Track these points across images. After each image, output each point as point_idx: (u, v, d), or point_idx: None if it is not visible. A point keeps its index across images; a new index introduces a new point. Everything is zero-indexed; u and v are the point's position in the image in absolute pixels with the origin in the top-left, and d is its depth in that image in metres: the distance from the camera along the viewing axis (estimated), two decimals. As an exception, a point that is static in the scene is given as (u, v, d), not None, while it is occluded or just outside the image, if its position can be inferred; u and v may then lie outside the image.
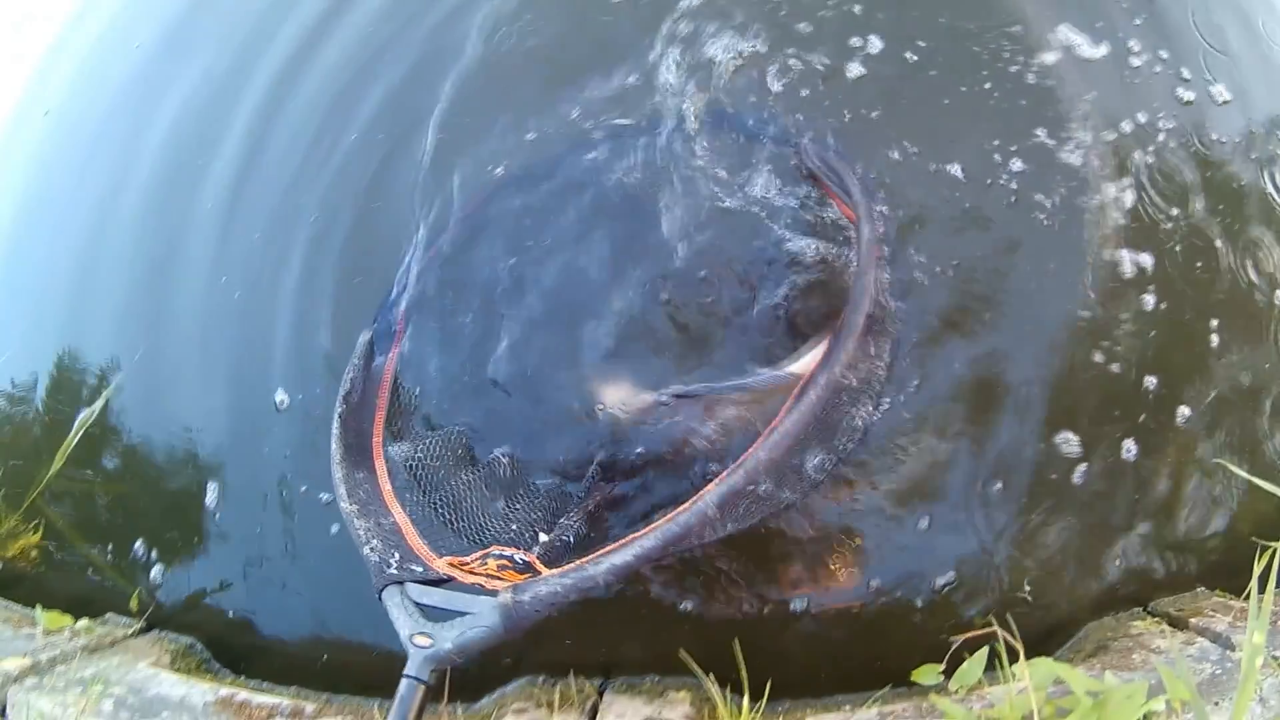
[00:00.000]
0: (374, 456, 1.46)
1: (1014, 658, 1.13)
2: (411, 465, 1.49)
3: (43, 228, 2.00)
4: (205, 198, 1.80)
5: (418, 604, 1.11)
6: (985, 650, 1.24)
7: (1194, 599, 1.45)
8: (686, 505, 1.10)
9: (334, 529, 1.56)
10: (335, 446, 1.42)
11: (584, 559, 1.11)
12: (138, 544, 1.70)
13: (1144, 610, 1.44)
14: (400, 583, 1.14)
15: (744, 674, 0.95)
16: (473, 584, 1.16)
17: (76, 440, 1.80)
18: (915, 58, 1.66)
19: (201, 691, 1.43)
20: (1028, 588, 1.45)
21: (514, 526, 1.41)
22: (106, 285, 1.85)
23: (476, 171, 1.72)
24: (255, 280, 1.70)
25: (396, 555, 1.23)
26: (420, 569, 1.20)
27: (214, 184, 1.81)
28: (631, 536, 1.10)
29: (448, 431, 1.58)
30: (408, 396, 1.61)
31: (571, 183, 1.71)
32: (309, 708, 1.36)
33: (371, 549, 1.22)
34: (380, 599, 1.14)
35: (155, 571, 1.69)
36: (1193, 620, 1.38)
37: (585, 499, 1.49)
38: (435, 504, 1.43)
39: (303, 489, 1.59)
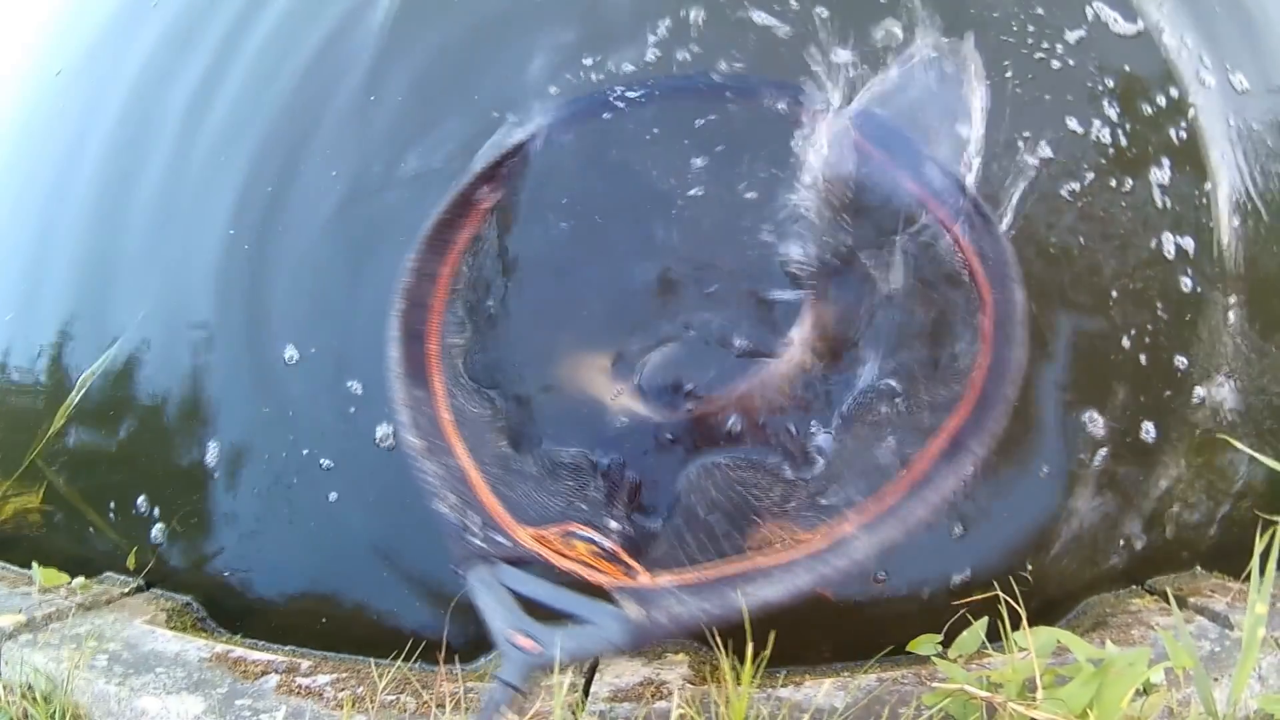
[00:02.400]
0: (429, 370, 1.24)
1: (1015, 624, 1.13)
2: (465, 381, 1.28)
3: (45, 184, 1.99)
4: (219, 149, 1.79)
5: (513, 592, 0.94)
6: (984, 621, 1.25)
7: (1192, 579, 1.46)
8: (840, 545, 0.99)
9: (333, 496, 1.54)
10: (394, 354, 1.20)
11: (716, 571, 0.97)
12: (139, 500, 1.69)
13: (1142, 588, 1.44)
14: (491, 561, 0.98)
15: (748, 627, 0.92)
16: (569, 570, 0.99)
17: (77, 400, 1.79)
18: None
19: (197, 648, 1.42)
20: (1029, 566, 1.45)
21: (583, 505, 1.22)
22: (110, 244, 1.84)
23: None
24: (264, 234, 1.68)
25: (477, 519, 1.05)
26: (506, 541, 1.02)
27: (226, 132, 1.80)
28: (774, 560, 0.97)
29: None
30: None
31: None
32: (304, 664, 1.36)
33: (449, 505, 1.03)
34: (461, 575, 0.97)
35: (154, 530, 1.68)
36: (1191, 599, 1.39)
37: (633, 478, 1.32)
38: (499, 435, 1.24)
39: (304, 451, 1.57)
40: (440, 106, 1.66)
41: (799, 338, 1.42)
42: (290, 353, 1.60)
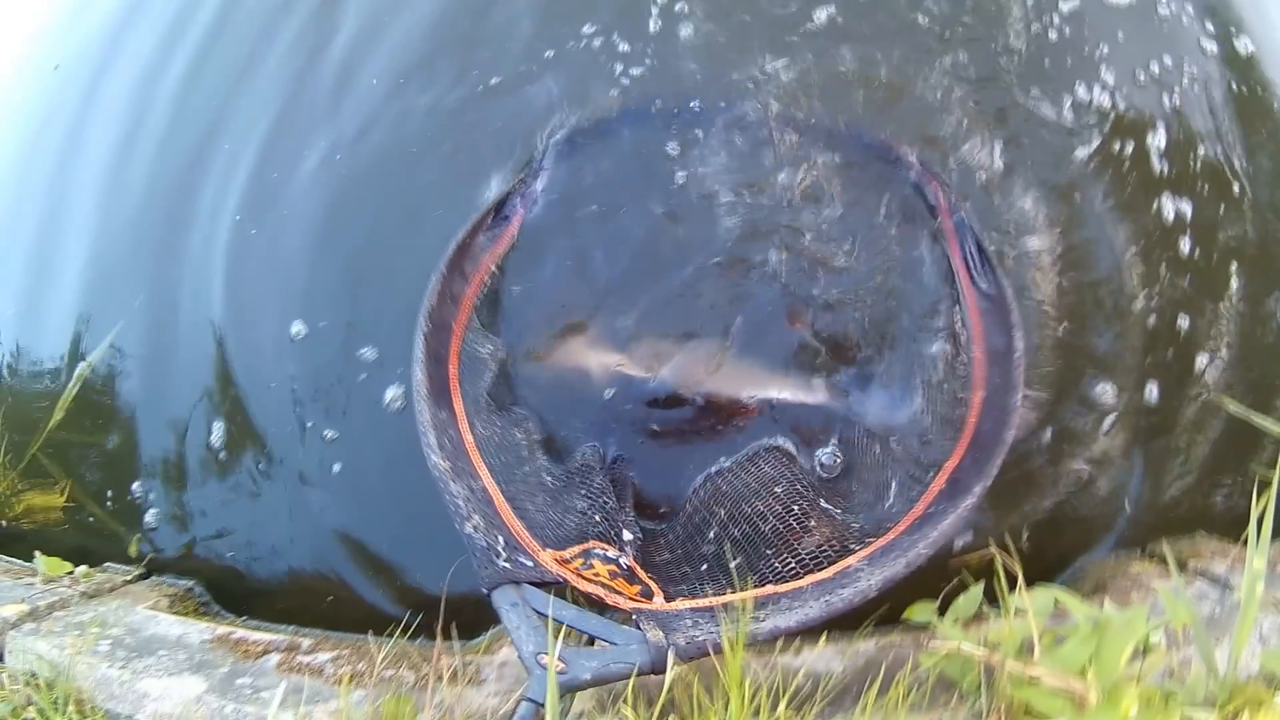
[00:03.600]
0: (451, 393, 1.25)
1: (1013, 586, 1.13)
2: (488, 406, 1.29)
3: (47, 174, 2.01)
4: (223, 139, 1.80)
5: (539, 614, 0.95)
6: (980, 586, 1.24)
7: (1193, 543, 1.45)
8: (847, 576, 1.03)
9: (337, 467, 1.55)
10: (420, 377, 1.19)
11: (730, 598, 1.00)
12: (135, 486, 1.70)
13: (1142, 552, 1.44)
14: (516, 582, 0.99)
15: (744, 599, 0.94)
16: (590, 592, 1.02)
17: (75, 391, 1.80)
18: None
19: (199, 631, 1.43)
20: (1026, 534, 1.45)
21: (596, 516, 1.22)
22: (110, 234, 1.86)
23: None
24: (270, 216, 1.70)
25: (501, 540, 1.06)
26: (530, 563, 1.03)
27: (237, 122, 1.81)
28: (785, 589, 1.02)
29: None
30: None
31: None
32: (305, 643, 1.37)
33: (475, 528, 1.03)
34: (489, 597, 0.99)
35: (153, 515, 1.69)
36: (1191, 562, 1.39)
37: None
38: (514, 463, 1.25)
39: (309, 424, 1.57)
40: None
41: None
42: (298, 328, 1.60)
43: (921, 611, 1.30)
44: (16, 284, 1.94)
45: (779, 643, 1.19)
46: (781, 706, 0.91)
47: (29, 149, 2.05)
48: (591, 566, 1.09)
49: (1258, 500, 1.11)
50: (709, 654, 0.93)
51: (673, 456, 1.44)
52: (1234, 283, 1.56)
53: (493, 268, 1.48)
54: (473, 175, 1.60)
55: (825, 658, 1.15)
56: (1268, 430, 1.31)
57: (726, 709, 0.90)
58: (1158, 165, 1.58)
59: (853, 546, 1.14)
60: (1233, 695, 1.06)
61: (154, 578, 1.67)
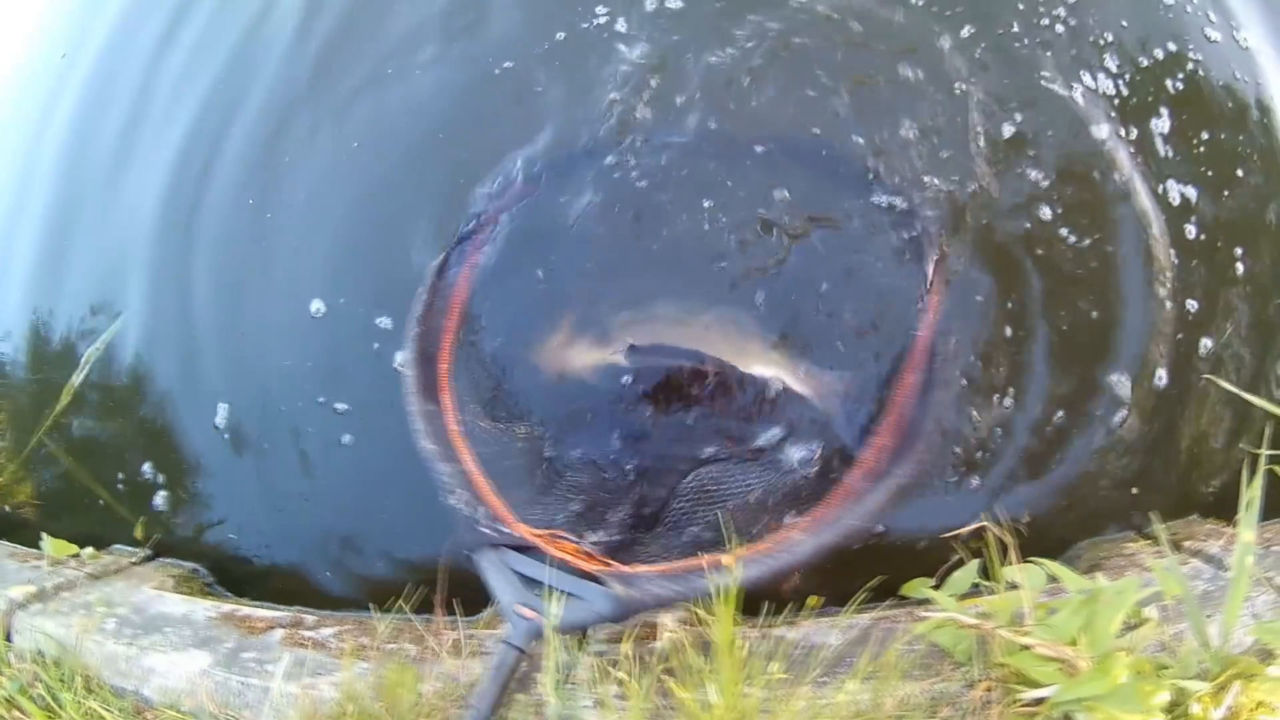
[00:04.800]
0: (440, 389, 1.39)
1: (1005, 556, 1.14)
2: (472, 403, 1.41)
3: (54, 160, 2.03)
4: (238, 116, 1.82)
5: (518, 573, 1.09)
6: (976, 562, 1.26)
7: (1188, 524, 1.46)
8: (785, 544, 1.14)
9: (346, 438, 1.56)
10: (411, 374, 1.36)
11: (688, 564, 1.12)
12: (145, 468, 1.72)
13: (1137, 533, 1.45)
14: (496, 546, 1.13)
15: (732, 563, 0.96)
16: (562, 559, 1.14)
17: (83, 377, 1.82)
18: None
19: (204, 608, 1.45)
20: (1026, 518, 1.46)
21: (573, 506, 1.35)
22: (117, 219, 1.88)
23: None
24: (280, 196, 1.72)
25: (482, 511, 1.20)
26: (508, 532, 1.17)
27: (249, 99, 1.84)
28: (738, 554, 1.10)
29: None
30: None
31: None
32: (309, 619, 1.38)
33: (460, 499, 1.19)
34: (473, 558, 1.13)
35: (160, 498, 1.71)
36: (1186, 543, 1.40)
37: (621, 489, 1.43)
38: (497, 454, 1.36)
39: (320, 399, 1.59)
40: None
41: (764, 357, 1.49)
42: (317, 306, 1.63)
43: (917, 588, 1.32)
44: (23, 271, 1.96)
45: (778, 620, 1.21)
46: (774, 665, 0.93)
47: (34, 136, 2.07)
48: (561, 544, 1.21)
49: (1248, 476, 1.13)
50: (664, 606, 1.08)
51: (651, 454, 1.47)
52: (1239, 268, 1.58)
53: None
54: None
55: (821, 630, 1.16)
56: (1266, 409, 1.32)
57: (722, 671, 0.92)
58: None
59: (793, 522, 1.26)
60: (1225, 668, 1.07)
61: (160, 560, 1.69)
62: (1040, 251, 1.53)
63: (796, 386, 1.44)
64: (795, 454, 1.40)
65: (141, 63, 1.96)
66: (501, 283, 1.57)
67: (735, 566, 1.05)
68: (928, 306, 1.43)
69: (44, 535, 1.69)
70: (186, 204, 1.77)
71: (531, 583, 1.08)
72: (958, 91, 1.59)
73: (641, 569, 1.13)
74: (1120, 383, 1.49)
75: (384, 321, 1.58)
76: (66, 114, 2.01)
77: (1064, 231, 1.54)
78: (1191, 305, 1.54)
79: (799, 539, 1.16)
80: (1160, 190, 1.57)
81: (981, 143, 1.57)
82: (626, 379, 1.46)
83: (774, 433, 1.42)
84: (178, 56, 1.92)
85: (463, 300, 1.52)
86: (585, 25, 1.69)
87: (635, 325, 1.50)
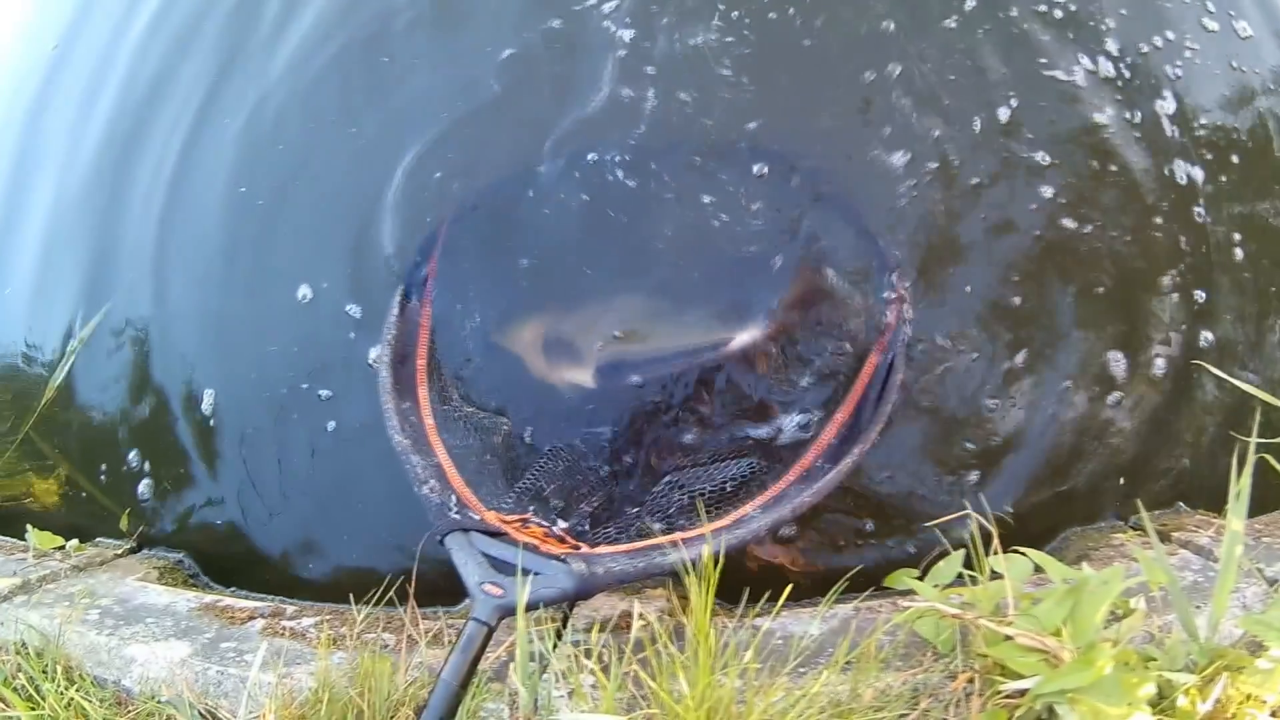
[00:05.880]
0: (417, 384, 1.44)
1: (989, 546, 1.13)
2: (448, 400, 1.46)
3: (52, 145, 2.03)
4: (227, 108, 1.82)
5: (485, 554, 1.13)
6: (961, 552, 1.24)
7: (1176, 515, 1.45)
8: (743, 520, 1.19)
9: (331, 425, 1.56)
10: (385, 373, 1.40)
11: (648, 543, 1.17)
12: (131, 456, 1.72)
13: (1125, 524, 1.43)
14: (465, 530, 1.17)
15: (710, 548, 0.95)
16: (527, 543, 1.18)
17: (67, 369, 1.82)
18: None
19: (186, 599, 1.45)
20: (1009, 509, 1.44)
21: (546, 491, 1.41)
22: (102, 211, 1.88)
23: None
24: (266, 183, 1.72)
25: (453, 499, 1.25)
26: (476, 518, 1.22)
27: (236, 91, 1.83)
28: (696, 532, 1.17)
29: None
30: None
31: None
32: (290, 609, 1.38)
33: (430, 489, 1.24)
34: (442, 543, 1.16)
35: (145, 488, 1.70)
36: (1175, 534, 1.38)
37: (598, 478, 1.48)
38: (471, 448, 1.41)
39: (304, 385, 1.59)
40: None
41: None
42: (304, 291, 1.62)
43: (901, 580, 1.30)
44: (8, 263, 1.96)
45: (758, 609, 1.20)
46: (748, 654, 0.92)
47: (28, 126, 2.08)
48: (529, 527, 1.26)
49: (1237, 465, 1.11)
50: (626, 581, 1.15)
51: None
52: (1239, 253, 1.56)
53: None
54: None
55: (802, 621, 1.15)
56: (1257, 397, 1.30)
57: (696, 660, 0.90)
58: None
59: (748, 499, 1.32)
60: (1213, 660, 1.06)
61: (144, 551, 1.69)
62: (1037, 233, 1.51)
63: (759, 369, 1.47)
64: (759, 433, 1.42)
65: (129, 54, 1.96)
66: (467, 283, 1.59)
67: (707, 540, 1.06)
68: (896, 289, 1.45)
69: (29, 527, 1.69)
70: (173, 192, 1.77)
71: (499, 564, 1.12)
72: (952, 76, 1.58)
73: (604, 549, 1.18)
74: (1112, 368, 1.48)
75: (353, 309, 1.59)
76: (58, 105, 2.01)
77: (1057, 214, 1.52)
78: (1186, 292, 1.51)
79: (756, 515, 1.21)
80: (1167, 171, 1.55)
81: (977, 126, 1.56)
82: (594, 381, 1.49)
83: (738, 417, 1.45)
84: (162, 46, 1.91)
85: (431, 310, 1.57)
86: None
87: (602, 323, 1.53)
